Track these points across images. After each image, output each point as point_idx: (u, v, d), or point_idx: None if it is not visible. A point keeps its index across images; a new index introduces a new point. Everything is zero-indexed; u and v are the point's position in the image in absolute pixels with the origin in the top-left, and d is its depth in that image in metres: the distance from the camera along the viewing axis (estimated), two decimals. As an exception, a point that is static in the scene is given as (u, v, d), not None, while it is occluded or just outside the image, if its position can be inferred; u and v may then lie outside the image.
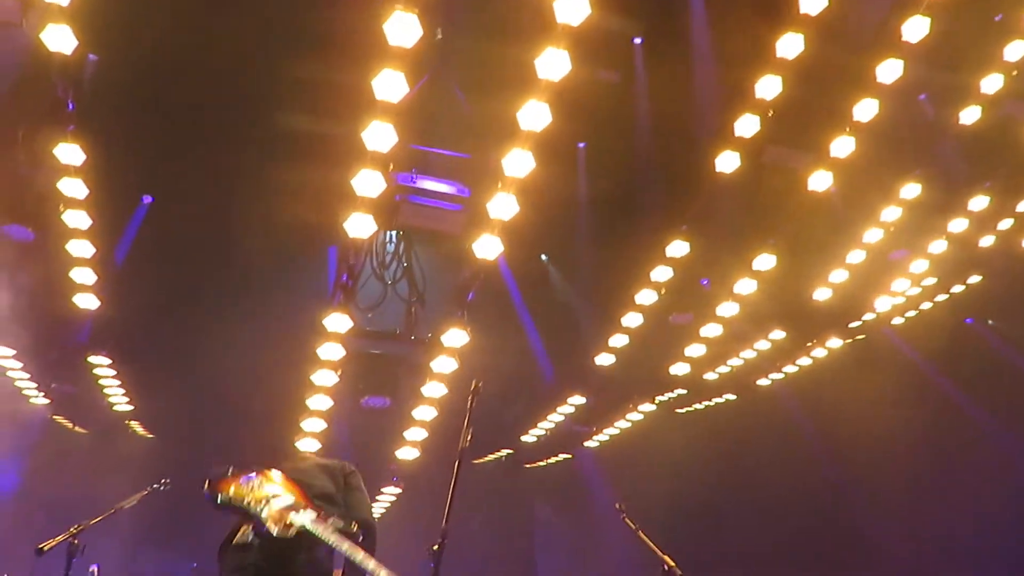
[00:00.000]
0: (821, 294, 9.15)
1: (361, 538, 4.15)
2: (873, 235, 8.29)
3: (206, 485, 4.18)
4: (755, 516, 11.71)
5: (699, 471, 11.86)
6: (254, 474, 4.17)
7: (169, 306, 9.32)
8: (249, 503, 4.03)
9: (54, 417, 11.21)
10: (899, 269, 9.07)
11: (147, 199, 8.96)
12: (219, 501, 4.11)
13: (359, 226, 6.62)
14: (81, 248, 7.67)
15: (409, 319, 8.77)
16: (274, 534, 3.93)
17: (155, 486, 5.76)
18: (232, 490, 4.09)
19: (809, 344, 10.77)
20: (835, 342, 10.70)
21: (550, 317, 10.30)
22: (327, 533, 3.92)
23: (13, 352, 9.38)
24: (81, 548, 4.83)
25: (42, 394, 10.46)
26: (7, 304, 8.44)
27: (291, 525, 3.93)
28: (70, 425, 11.48)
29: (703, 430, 12.15)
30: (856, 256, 8.58)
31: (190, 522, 11.33)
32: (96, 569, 4.94)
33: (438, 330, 8.21)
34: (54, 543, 4.69)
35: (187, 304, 9.33)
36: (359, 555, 3.84)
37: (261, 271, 8.90)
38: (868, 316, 10.18)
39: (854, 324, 10.44)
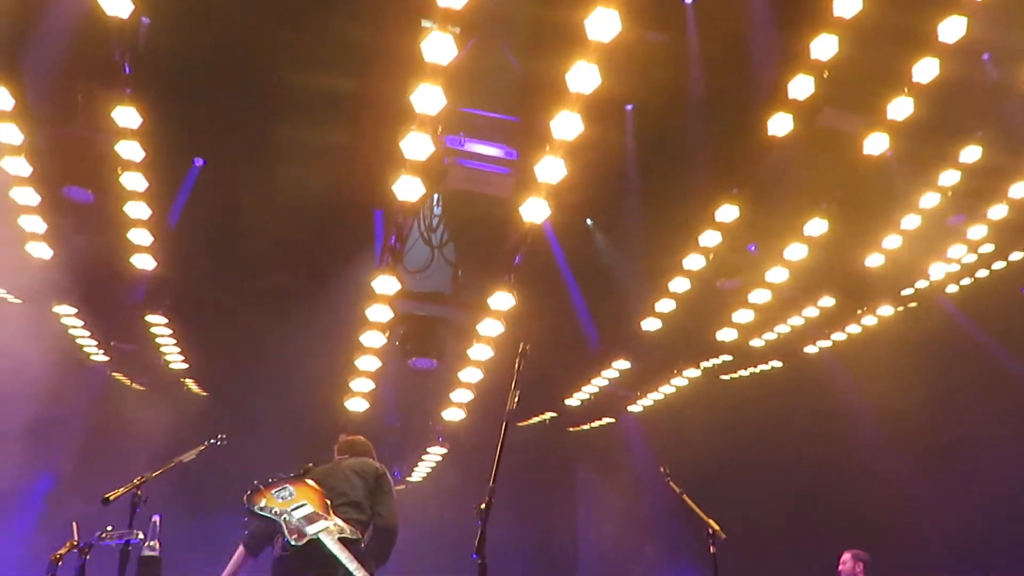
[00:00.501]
0: (873, 260, 8.99)
1: (364, 544, 5.05)
2: (930, 200, 8.09)
3: (247, 496, 5.07)
4: (798, 484, 11.63)
5: (742, 438, 11.82)
6: (288, 484, 5.11)
7: (220, 267, 9.52)
8: (276, 512, 4.91)
9: (113, 374, 11.56)
10: (956, 235, 8.85)
11: (199, 162, 9.10)
12: (254, 510, 5.00)
13: (408, 189, 6.68)
14: (138, 210, 7.87)
15: (456, 282, 8.84)
16: (292, 543, 4.76)
17: (212, 441, 5.94)
18: (264, 501, 5.00)
19: (859, 312, 10.60)
20: (886, 310, 10.52)
21: (596, 282, 10.27)
22: (332, 543, 4.71)
23: (75, 311, 9.68)
24: (144, 499, 5.01)
25: (102, 352, 10.79)
26: (70, 264, 8.71)
27: (303, 535, 4.76)
28: (128, 382, 11.84)
29: (747, 397, 12.07)
30: (911, 221, 8.39)
31: (241, 479, 11.71)
32: (158, 520, 5.12)
33: (485, 293, 8.27)
34: (119, 493, 4.88)
35: (238, 265, 9.52)
36: (352, 565, 4.61)
37: (310, 233, 9.00)
38: (921, 283, 9.97)
39: (907, 291, 10.24)
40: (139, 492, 4.99)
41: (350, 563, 4.63)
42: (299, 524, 4.81)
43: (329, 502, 5.06)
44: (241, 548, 5.39)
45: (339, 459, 5.72)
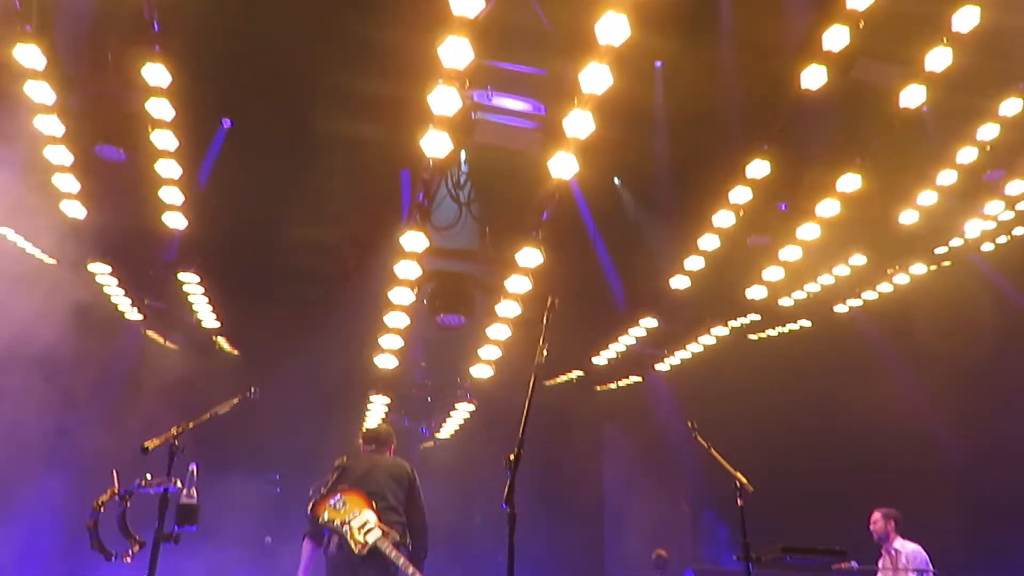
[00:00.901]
0: (907, 217, 8.85)
1: (411, 545, 5.83)
2: (967, 154, 7.93)
3: (310, 506, 5.85)
4: (827, 444, 11.58)
5: (770, 398, 11.78)
6: (339, 496, 5.81)
7: (250, 226, 9.60)
8: (337, 523, 5.67)
9: (147, 332, 11.75)
10: (993, 191, 8.67)
11: (226, 123, 9.12)
12: (318, 522, 5.78)
13: (435, 144, 6.66)
14: (169, 168, 7.94)
15: (484, 238, 8.84)
16: (354, 551, 5.54)
17: (245, 394, 6.02)
18: (327, 513, 5.74)
19: (891, 270, 10.47)
20: (919, 268, 10.38)
21: (623, 240, 10.22)
22: (389, 549, 5.56)
23: (109, 269, 9.83)
24: (181, 448, 5.12)
25: (136, 310, 10.96)
26: (103, 223, 8.83)
27: (366, 544, 5.56)
28: (162, 340, 12.03)
29: (775, 357, 12.01)
30: (947, 177, 8.23)
31: (273, 436, 11.96)
32: (195, 468, 5.24)
33: (512, 249, 8.27)
34: (158, 442, 4.97)
35: (266, 224, 9.59)
36: (410, 569, 5.55)
37: (337, 191, 9.02)
38: (956, 242, 9.81)
39: (941, 250, 10.08)
40: (176, 442, 5.09)
41: (407, 568, 5.56)
42: (358, 535, 5.63)
43: (375, 505, 5.81)
44: (307, 541, 6.06)
45: (368, 452, 6.39)
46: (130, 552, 5.03)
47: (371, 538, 5.59)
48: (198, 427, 5.46)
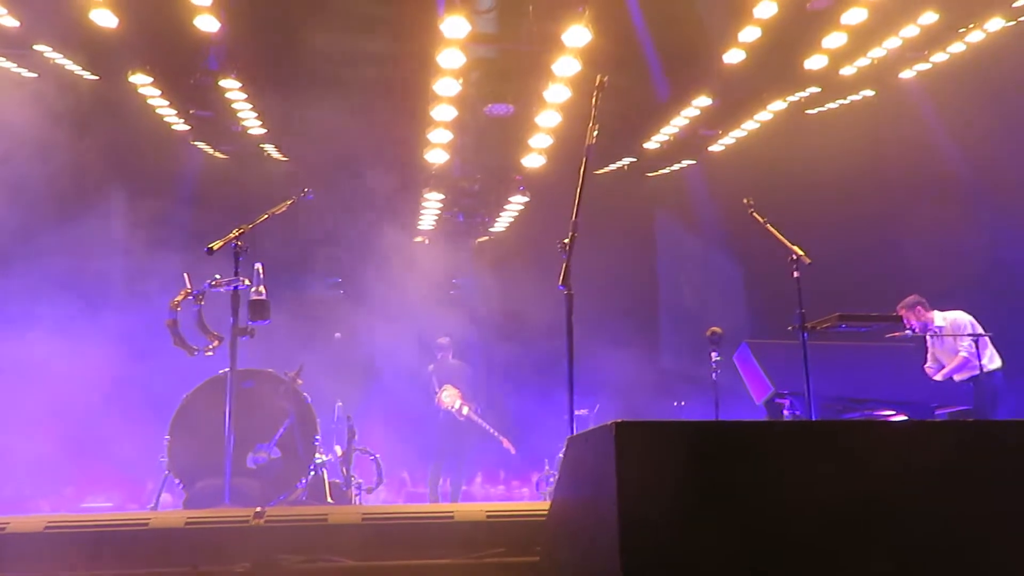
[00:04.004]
0: (987, -35, 8.08)
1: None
2: None
3: (445, 396, 9.95)
4: (892, 219, 11.33)
5: (830, 174, 11.44)
6: (445, 390, 9.93)
7: (286, 24, 9.28)
8: (448, 404, 9.87)
9: (194, 143, 11.79)
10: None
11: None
12: (441, 404, 9.91)
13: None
14: (192, -34, 7.60)
15: (528, 19, 8.38)
16: (459, 419, 9.84)
17: (299, 195, 6.09)
18: (444, 400, 9.92)
19: (964, 29, 9.71)
20: (996, 23, 9.60)
21: (673, 14, 9.59)
22: (474, 416, 9.88)
23: (151, 80, 9.71)
24: (244, 249, 5.27)
25: (182, 121, 10.93)
26: (137, 32, 8.62)
27: (466, 415, 9.83)
28: (211, 150, 12.09)
29: (836, 130, 11.53)
30: (1035, -88, 7.40)
31: (328, 240, 12.25)
32: (260, 266, 5.42)
33: (559, 28, 7.85)
34: (221, 243, 5.13)
35: (302, 21, 9.25)
36: (488, 428, 9.93)
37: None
38: (1040, -11, 8.98)
39: (1020, 3, 9.26)
40: (239, 243, 5.23)
41: (487, 425, 9.90)
42: (460, 411, 9.85)
43: (462, 395, 9.98)
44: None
45: (441, 358, 10.32)
46: (210, 347, 5.35)
47: (465, 411, 9.86)
48: (262, 234, 5.59)
